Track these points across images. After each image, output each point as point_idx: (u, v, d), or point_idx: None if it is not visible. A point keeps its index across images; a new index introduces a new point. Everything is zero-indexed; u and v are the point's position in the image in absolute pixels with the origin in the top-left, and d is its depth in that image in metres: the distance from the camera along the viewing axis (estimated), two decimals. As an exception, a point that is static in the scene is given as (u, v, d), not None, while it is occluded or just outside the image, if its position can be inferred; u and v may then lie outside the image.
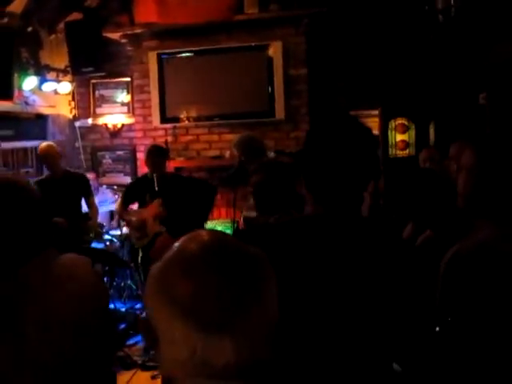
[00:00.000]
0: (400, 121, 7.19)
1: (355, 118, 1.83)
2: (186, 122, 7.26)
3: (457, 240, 1.91)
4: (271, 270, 1.03)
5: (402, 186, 3.24)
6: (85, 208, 6.22)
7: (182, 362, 0.96)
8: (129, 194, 6.12)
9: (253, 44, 7.03)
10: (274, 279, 1.02)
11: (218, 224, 6.92)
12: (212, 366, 0.95)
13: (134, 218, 5.91)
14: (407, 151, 7.17)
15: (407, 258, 1.73)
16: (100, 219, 6.65)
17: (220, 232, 1.11)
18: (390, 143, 7.18)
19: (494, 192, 1.87)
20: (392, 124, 7.19)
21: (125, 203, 6.12)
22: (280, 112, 6.93)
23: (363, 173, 1.71)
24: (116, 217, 7.24)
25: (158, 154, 5.85)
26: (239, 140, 5.23)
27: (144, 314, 1.04)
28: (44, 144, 6.05)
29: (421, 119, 6.95)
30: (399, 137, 7.19)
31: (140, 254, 6.02)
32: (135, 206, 6.21)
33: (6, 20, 6.29)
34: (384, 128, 7.12)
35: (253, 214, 6.17)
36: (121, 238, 6.82)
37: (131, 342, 5.56)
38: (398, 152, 7.20)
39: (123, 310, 6.45)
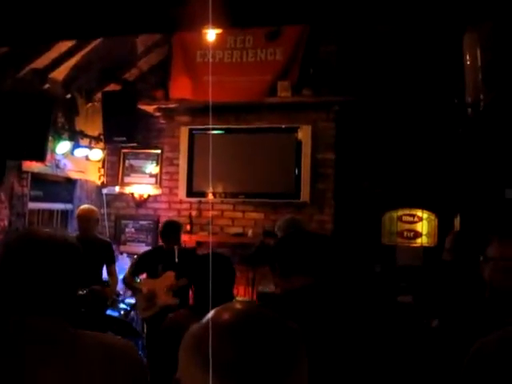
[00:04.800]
0: (408, 211, 7.24)
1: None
2: (212, 197, 7.32)
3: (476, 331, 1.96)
4: (304, 346, 1.01)
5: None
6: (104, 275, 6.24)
7: None
8: (141, 264, 6.14)
9: (283, 126, 7.18)
10: (305, 355, 1.01)
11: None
12: None
13: (144, 288, 5.94)
14: (418, 241, 7.18)
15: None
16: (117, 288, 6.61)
17: (254, 303, 1.09)
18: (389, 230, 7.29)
19: None
20: (394, 214, 7.28)
21: (134, 272, 6.15)
22: (305, 194, 6.95)
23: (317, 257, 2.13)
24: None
25: (176, 229, 6.03)
26: (284, 222, 5.24)
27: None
28: (87, 207, 6.17)
29: (445, 211, 6.97)
30: (404, 226, 7.26)
31: (145, 327, 6.00)
32: (143, 277, 6.27)
33: (47, 85, 6.53)
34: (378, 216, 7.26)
35: (267, 288, 6.15)
36: (135, 307, 6.77)
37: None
38: (400, 240, 7.25)
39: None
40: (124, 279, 6.21)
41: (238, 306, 1.05)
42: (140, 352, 6.60)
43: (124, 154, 8.15)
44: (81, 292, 5.44)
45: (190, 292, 5.67)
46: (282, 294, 2.13)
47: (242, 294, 7.10)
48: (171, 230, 6.03)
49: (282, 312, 1.11)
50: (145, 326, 6.09)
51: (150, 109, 7.68)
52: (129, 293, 7.29)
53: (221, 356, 0.92)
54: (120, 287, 6.92)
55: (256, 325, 0.98)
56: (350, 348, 1.74)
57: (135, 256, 7.37)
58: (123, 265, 7.28)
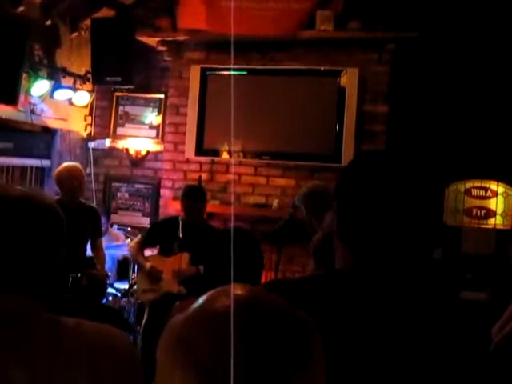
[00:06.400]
0: (479, 183, 7.20)
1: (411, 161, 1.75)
2: (228, 156, 7.28)
3: None
4: (319, 342, 1.00)
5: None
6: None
7: None
8: (153, 235, 6.07)
9: (322, 68, 7.04)
10: (321, 354, 1.00)
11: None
12: None
13: (148, 264, 5.85)
14: (491, 221, 7.13)
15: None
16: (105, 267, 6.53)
17: (258, 288, 1.15)
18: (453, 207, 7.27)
19: None
20: (461, 186, 7.23)
21: (144, 244, 6.08)
22: (348, 157, 6.70)
23: (412, 224, 1.63)
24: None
25: (195, 198, 5.83)
26: (306, 193, 5.09)
27: None
28: (71, 164, 6.03)
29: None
30: (474, 202, 7.18)
31: (145, 317, 5.95)
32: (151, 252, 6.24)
33: (22, 8, 6.57)
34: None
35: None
36: (127, 292, 6.80)
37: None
38: (467, 220, 7.19)
39: None
40: (130, 248, 6.24)
41: (238, 290, 1.01)
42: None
43: (117, 98, 8.11)
44: (74, 275, 5.43)
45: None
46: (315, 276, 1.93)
47: (262, 281, 7.01)
48: (199, 195, 5.87)
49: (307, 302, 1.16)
50: (145, 315, 6.02)
51: (151, 41, 7.55)
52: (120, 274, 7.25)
53: (209, 357, 0.91)
54: (109, 267, 6.84)
55: (254, 317, 0.96)
56: (393, 359, 1.56)
57: (129, 228, 7.30)
58: (113, 239, 7.22)
